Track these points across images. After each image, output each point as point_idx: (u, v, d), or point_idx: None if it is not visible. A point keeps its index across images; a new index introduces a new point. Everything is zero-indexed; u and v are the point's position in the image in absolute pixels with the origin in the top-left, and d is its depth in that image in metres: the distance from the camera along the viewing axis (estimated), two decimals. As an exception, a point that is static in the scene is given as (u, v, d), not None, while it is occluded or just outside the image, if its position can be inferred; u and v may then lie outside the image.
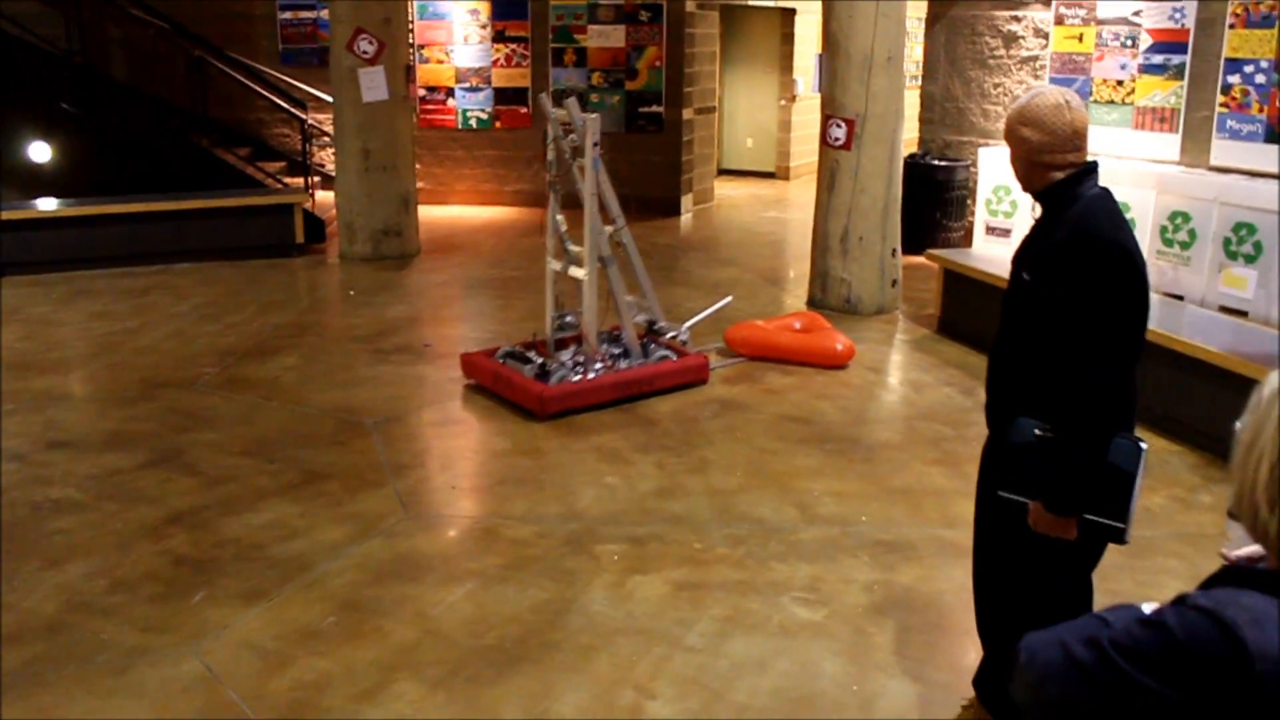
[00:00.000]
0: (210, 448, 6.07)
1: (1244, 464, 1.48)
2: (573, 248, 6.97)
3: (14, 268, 10.01)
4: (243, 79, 13.13)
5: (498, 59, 13.90)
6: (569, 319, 7.18)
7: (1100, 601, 4.27)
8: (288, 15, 14.39)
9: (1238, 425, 1.53)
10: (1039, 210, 3.15)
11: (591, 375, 6.71)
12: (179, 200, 10.78)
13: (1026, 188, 3.10)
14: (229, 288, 9.70)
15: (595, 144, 6.70)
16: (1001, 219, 9.83)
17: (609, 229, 7.01)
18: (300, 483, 5.61)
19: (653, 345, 7.21)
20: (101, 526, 5.12)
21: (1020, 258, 3.14)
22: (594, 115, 6.78)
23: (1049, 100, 2.98)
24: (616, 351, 7.06)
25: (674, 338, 7.38)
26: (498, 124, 14.03)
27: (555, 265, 7.10)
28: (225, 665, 4.02)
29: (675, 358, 7.13)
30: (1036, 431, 2.96)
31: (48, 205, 10.67)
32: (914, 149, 11.15)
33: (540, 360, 6.85)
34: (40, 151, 12.32)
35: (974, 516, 3.49)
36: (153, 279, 9.94)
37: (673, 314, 8.91)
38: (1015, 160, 3.07)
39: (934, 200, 10.58)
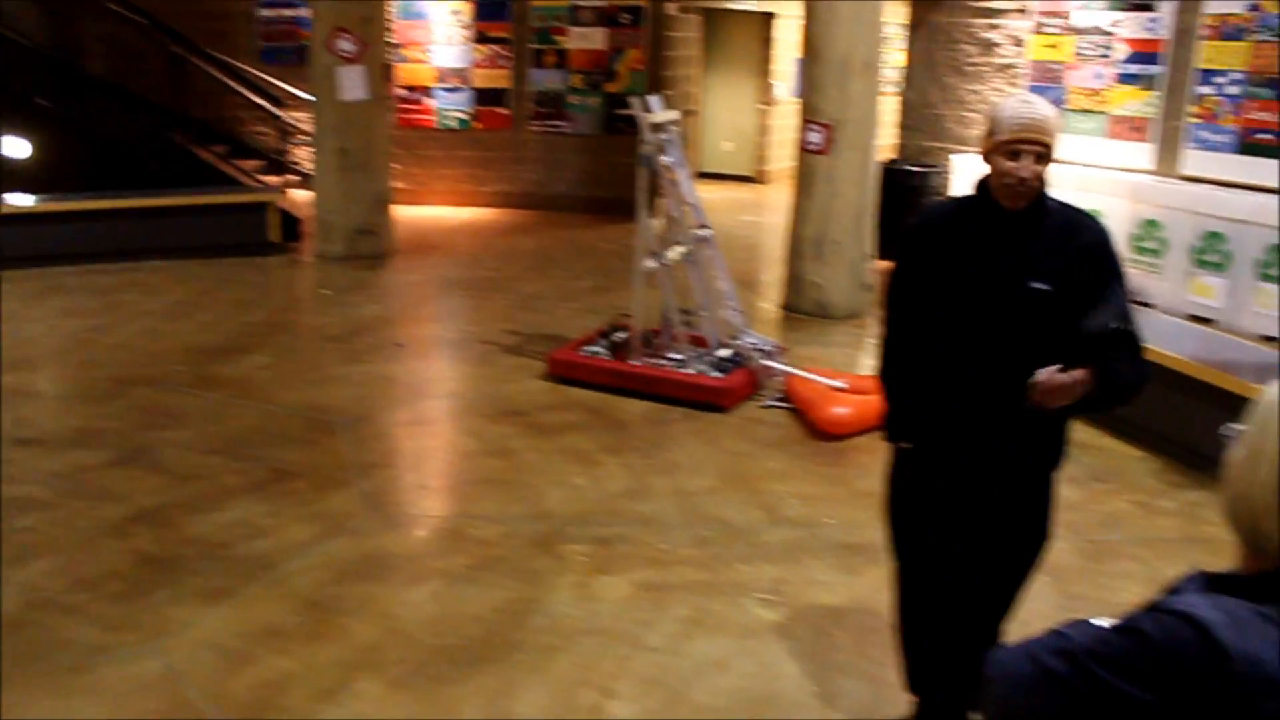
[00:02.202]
0: (179, 446, 6.05)
1: (1244, 472, 1.50)
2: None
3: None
4: (221, 76, 13.10)
5: (478, 60, 13.89)
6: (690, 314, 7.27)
7: (1060, 603, 4.32)
8: (268, 13, 14.36)
9: (1232, 431, 1.55)
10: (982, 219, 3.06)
11: (632, 361, 7.00)
12: (154, 197, 10.72)
13: (1025, 201, 2.96)
14: (202, 286, 9.66)
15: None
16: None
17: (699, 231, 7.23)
18: (268, 481, 5.60)
19: (704, 353, 7.04)
20: (66, 524, 5.09)
21: (1013, 270, 2.98)
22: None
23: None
24: (692, 354, 7.04)
25: (739, 359, 7.01)
26: (477, 125, 14.02)
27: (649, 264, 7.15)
28: (186, 664, 4.01)
29: (713, 374, 6.84)
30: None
31: (21, 201, 10.60)
32: (889, 155, 11.19)
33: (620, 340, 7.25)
34: (15, 147, 12.25)
35: (941, 540, 3.31)
36: (125, 276, 9.89)
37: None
38: (1046, 173, 2.95)
39: (907, 206, 10.60)
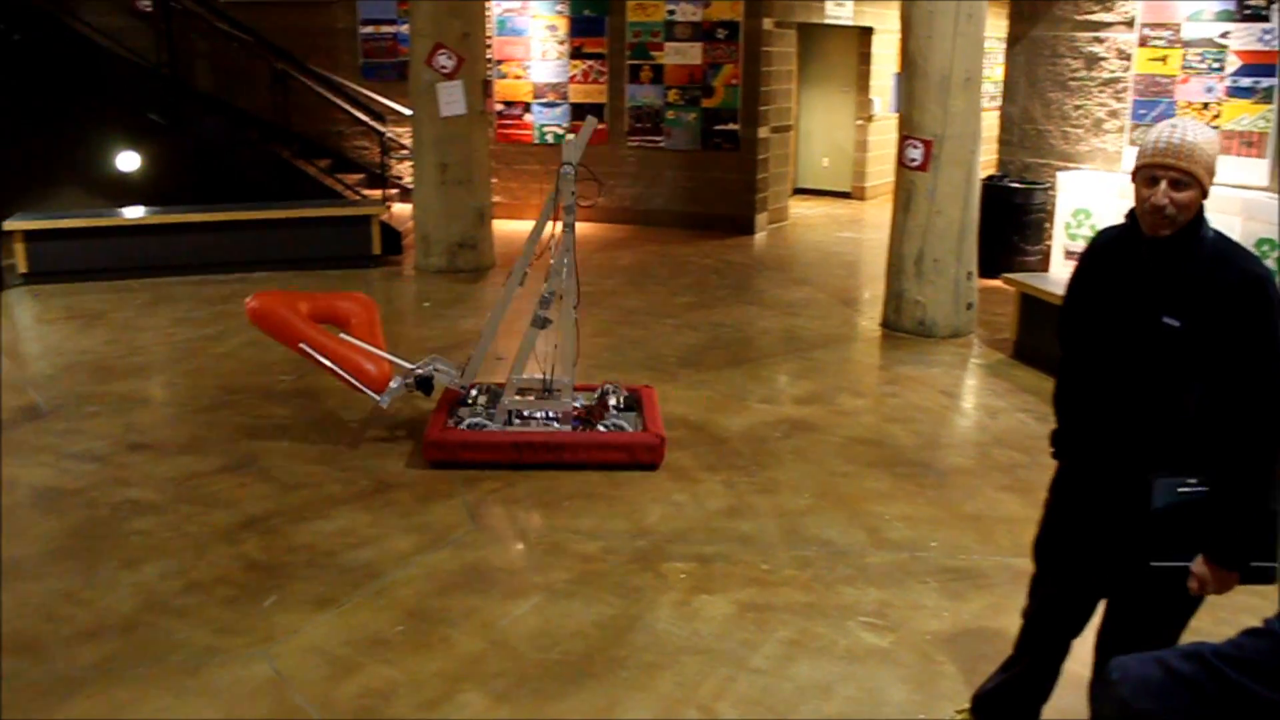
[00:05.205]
0: (284, 454, 6.17)
1: None
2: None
3: (100, 273, 10.28)
4: (324, 92, 13.36)
5: (575, 75, 14.00)
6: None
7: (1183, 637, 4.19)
8: (369, 29, 14.63)
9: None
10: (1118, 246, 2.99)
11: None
12: (259, 210, 11.00)
13: (1165, 229, 2.85)
14: (306, 297, 9.83)
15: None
16: (1081, 243, 9.68)
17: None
18: (371, 491, 5.67)
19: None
20: (178, 529, 5.22)
21: (1147, 301, 2.88)
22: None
23: (1213, 134, 2.86)
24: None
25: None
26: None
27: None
28: (294, 670, 4.07)
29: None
30: (1181, 490, 2.85)
31: (134, 213, 10.94)
32: (991, 171, 11.02)
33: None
34: (128, 161, 12.63)
35: (1074, 589, 3.26)
36: (232, 287, 10.12)
37: (745, 332, 8.91)
38: (1191, 202, 2.82)
39: (1011, 223, 10.44)
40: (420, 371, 6.34)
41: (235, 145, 13.08)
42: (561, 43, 13.96)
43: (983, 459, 6.24)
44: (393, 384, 6.29)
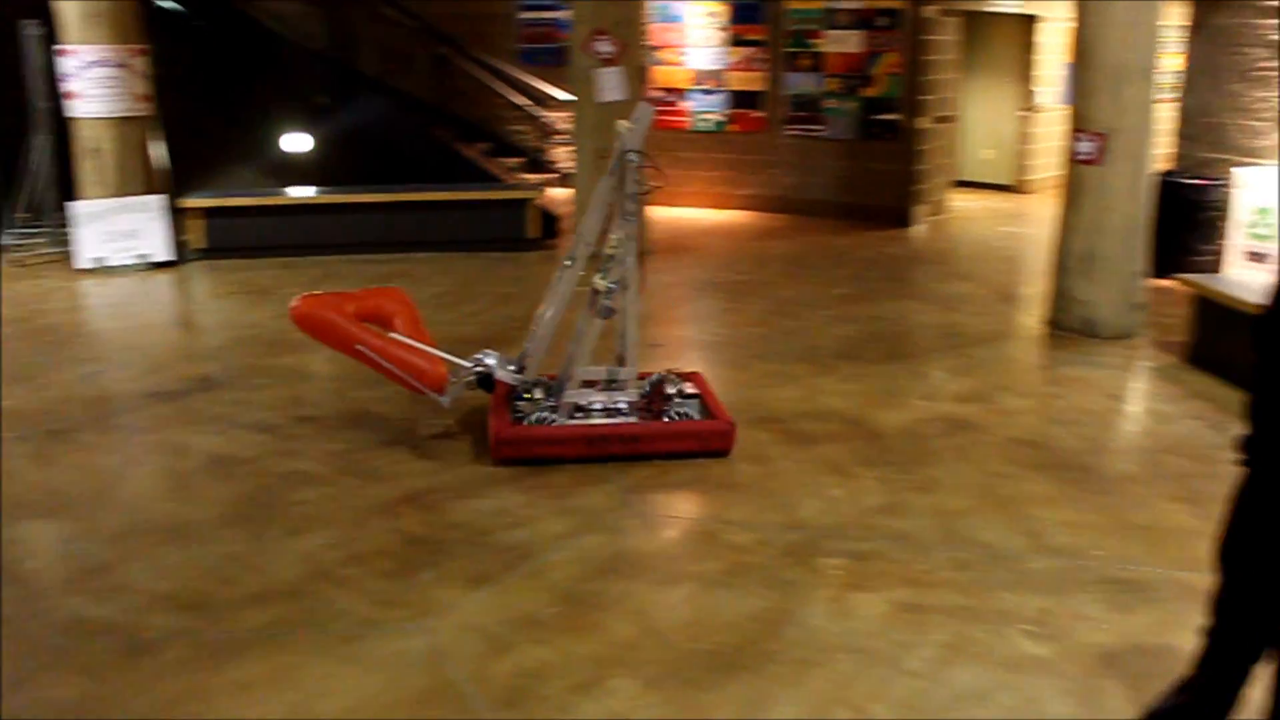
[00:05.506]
0: (442, 433, 6.29)
1: None
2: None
3: (270, 250, 10.66)
4: (484, 76, 13.59)
5: (733, 62, 13.92)
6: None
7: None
8: (528, 15, 14.81)
9: None
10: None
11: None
12: (421, 191, 11.26)
13: None
14: (465, 278, 10.04)
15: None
16: (1263, 243, 9.20)
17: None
18: (527, 473, 5.74)
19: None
20: (340, 500, 5.38)
21: None
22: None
23: None
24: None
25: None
26: (731, 127, 14.04)
27: None
28: (450, 645, 4.14)
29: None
30: None
31: (302, 193, 11.30)
32: (1166, 166, 10.57)
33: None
34: (297, 141, 13.06)
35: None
36: (394, 266, 10.37)
37: (903, 326, 8.76)
38: None
39: (1185, 221, 9.99)
40: (480, 369, 6.28)
41: (398, 128, 13.42)
42: (721, 30, 13.89)
43: (1152, 466, 6.00)
44: (452, 382, 6.23)
